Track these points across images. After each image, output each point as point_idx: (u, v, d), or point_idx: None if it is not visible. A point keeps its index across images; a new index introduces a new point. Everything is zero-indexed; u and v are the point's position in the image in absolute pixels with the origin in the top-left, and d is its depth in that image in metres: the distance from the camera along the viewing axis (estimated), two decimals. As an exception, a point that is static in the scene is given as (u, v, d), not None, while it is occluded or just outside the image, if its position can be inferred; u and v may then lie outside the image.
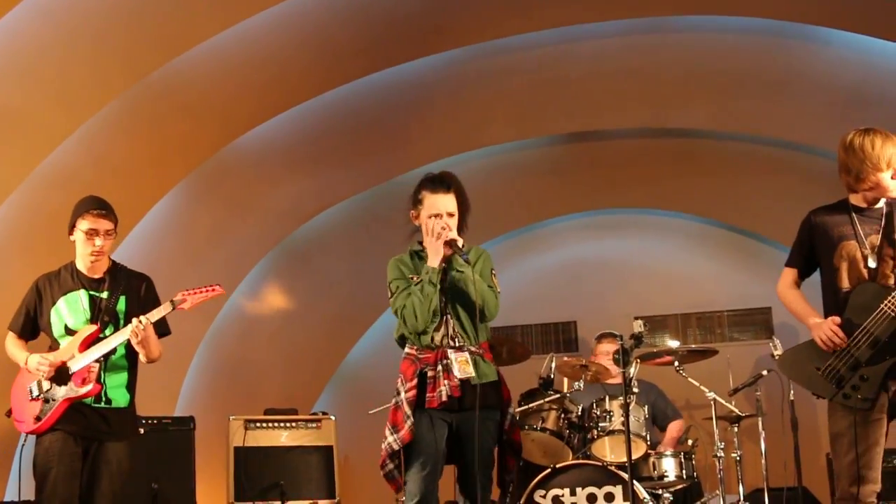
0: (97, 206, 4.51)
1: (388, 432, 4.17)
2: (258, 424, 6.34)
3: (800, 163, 7.79)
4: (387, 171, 8.32)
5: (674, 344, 6.28)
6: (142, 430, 6.06)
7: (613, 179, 8.43)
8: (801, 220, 4.40)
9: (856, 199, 4.22)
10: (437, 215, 4.22)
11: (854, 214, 4.20)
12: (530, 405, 5.79)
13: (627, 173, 8.36)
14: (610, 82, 7.75)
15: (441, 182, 4.31)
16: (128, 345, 4.45)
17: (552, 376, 5.85)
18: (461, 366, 4.07)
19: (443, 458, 4.13)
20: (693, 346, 6.32)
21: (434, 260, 4.15)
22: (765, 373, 5.95)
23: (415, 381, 4.14)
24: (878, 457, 3.99)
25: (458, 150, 8.34)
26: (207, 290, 4.60)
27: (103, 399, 4.43)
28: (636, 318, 4.98)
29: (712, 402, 5.99)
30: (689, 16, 7.50)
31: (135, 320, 4.34)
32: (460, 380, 4.06)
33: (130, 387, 4.57)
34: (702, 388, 6.03)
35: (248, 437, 6.26)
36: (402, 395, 4.16)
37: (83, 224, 4.49)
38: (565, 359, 6.25)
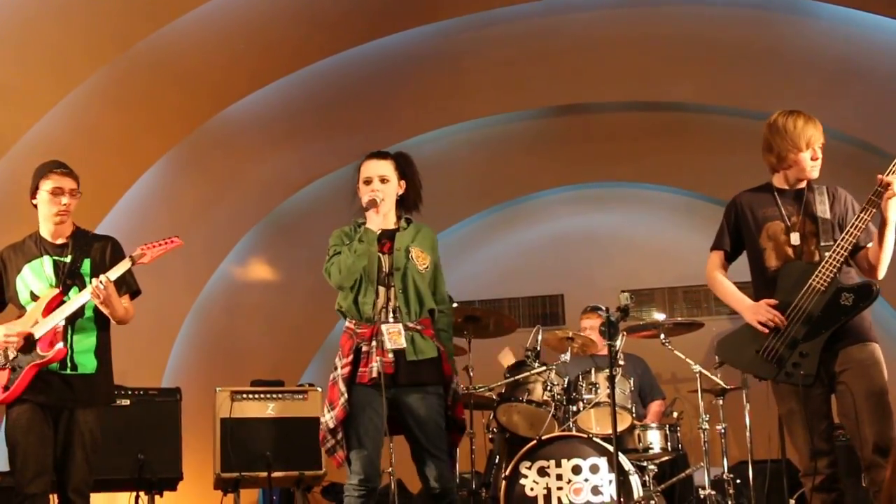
0: (59, 165, 4.45)
1: (325, 410, 4.19)
2: (245, 396, 6.31)
3: (788, 137, 7.79)
4: (374, 143, 8.20)
5: (660, 317, 6.31)
6: (126, 402, 6.13)
7: (601, 153, 8.43)
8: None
9: (778, 181, 4.30)
10: (367, 181, 4.31)
11: (777, 195, 4.28)
12: (516, 377, 5.80)
13: (615, 147, 8.36)
14: (598, 55, 7.74)
15: (378, 153, 4.43)
16: (96, 308, 4.37)
17: (538, 348, 5.86)
18: (392, 337, 4.07)
19: (381, 434, 4.10)
20: (679, 318, 6.34)
21: (372, 224, 4.20)
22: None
23: (350, 358, 4.15)
24: (828, 429, 4.07)
25: (445, 122, 8.34)
26: (166, 243, 4.53)
27: (69, 365, 4.34)
28: (622, 291, 4.98)
29: (698, 375, 6.02)
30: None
31: (94, 280, 4.29)
32: (394, 354, 4.07)
33: (100, 351, 4.46)
34: (688, 360, 6.05)
35: (235, 409, 6.23)
36: (339, 371, 4.17)
37: (47, 184, 4.41)
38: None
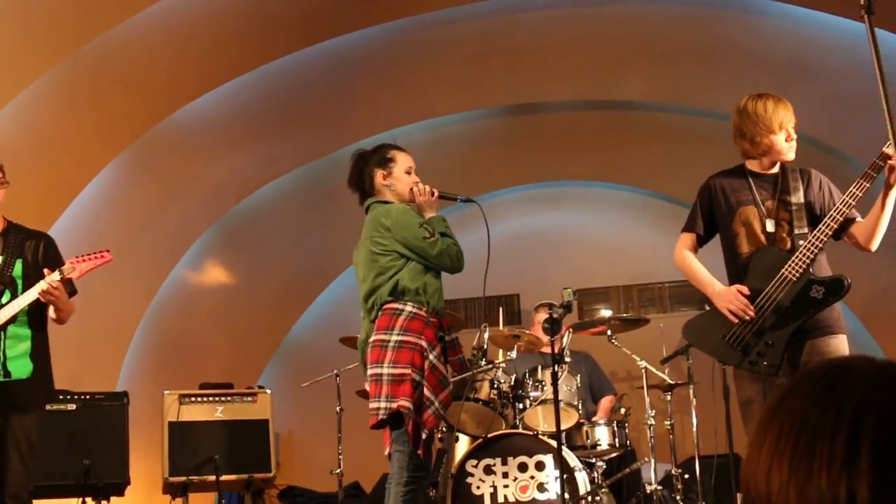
0: None
1: (429, 393, 4.26)
2: (193, 399, 6.29)
3: (738, 134, 7.84)
4: (329, 144, 8.29)
5: (606, 313, 6.32)
6: (72, 406, 6.08)
7: (554, 151, 8.44)
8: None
9: (752, 165, 4.24)
10: (410, 170, 4.60)
11: (751, 179, 4.23)
12: (463, 375, 5.78)
13: (569, 145, 8.37)
14: (550, 54, 7.75)
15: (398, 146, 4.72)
16: (30, 311, 4.31)
17: (485, 347, 5.85)
18: None
19: None
20: (624, 315, 6.36)
21: (432, 213, 4.55)
22: (693, 343, 6.00)
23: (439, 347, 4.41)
24: None
25: (400, 122, 8.31)
26: (96, 258, 4.47)
27: (2, 373, 4.25)
28: (565, 288, 4.98)
29: (643, 371, 6.04)
30: (628, -13, 7.52)
31: (43, 281, 4.22)
32: None
33: (36, 355, 4.37)
34: (633, 356, 6.08)
35: (183, 412, 6.21)
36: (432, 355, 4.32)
37: None
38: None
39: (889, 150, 3.81)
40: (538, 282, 8.57)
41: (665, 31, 7.46)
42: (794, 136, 4.15)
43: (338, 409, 6.49)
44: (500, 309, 7.55)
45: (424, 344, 4.29)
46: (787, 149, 4.16)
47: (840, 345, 4.07)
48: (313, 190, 8.44)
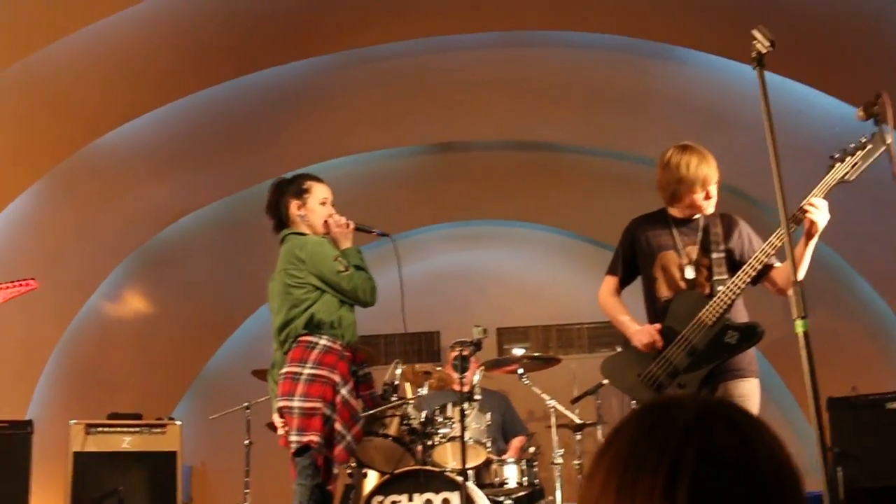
0: None
1: (340, 427, 4.30)
2: (100, 429, 6.19)
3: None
4: (253, 176, 8.25)
5: (518, 352, 6.35)
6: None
7: (477, 191, 8.50)
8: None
9: (674, 211, 4.32)
10: (328, 202, 4.66)
11: (673, 225, 4.30)
12: (373, 411, 5.77)
13: (491, 185, 8.44)
14: (474, 94, 7.82)
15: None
16: None
17: (396, 383, 5.84)
18: None
19: None
20: (536, 354, 6.40)
21: (347, 244, 4.61)
22: (605, 381, 6.04)
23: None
24: None
25: (323, 156, 8.32)
26: (20, 285, 4.45)
27: None
28: (476, 326, 5.01)
29: (552, 410, 6.07)
30: (552, 30, 7.63)
31: None
32: None
33: None
34: (543, 395, 6.11)
35: (89, 442, 6.11)
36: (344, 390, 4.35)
37: None
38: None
39: (807, 205, 3.92)
40: (459, 320, 8.56)
41: (590, 75, 7.58)
42: (715, 195, 4.23)
43: (246, 442, 6.42)
44: (421, 346, 7.55)
45: (337, 378, 4.30)
46: (707, 205, 4.25)
47: (751, 388, 4.13)
48: (235, 222, 8.39)
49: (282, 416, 4.37)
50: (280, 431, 4.43)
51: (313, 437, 4.20)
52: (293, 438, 4.24)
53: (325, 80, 7.81)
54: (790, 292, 3.10)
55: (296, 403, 4.26)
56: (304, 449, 4.25)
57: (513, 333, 8.67)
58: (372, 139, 8.24)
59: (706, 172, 4.18)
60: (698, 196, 4.20)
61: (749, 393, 4.11)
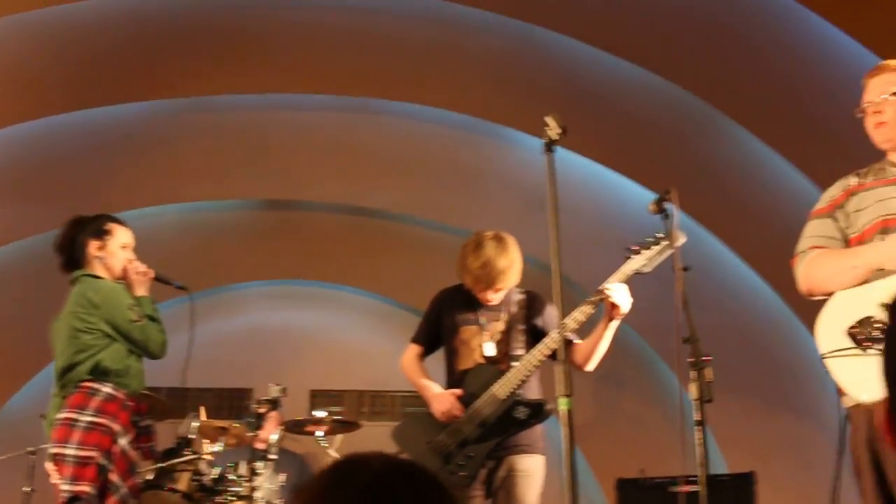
0: None
1: (116, 478, 4.15)
2: None
3: (484, 255, 8.11)
4: (78, 212, 8.00)
5: (320, 414, 6.30)
6: None
7: (305, 251, 8.45)
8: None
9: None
10: (129, 247, 4.55)
11: (478, 301, 4.40)
12: (163, 465, 5.61)
13: (320, 246, 8.40)
14: (311, 154, 7.87)
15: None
16: None
17: (191, 437, 5.71)
18: None
19: None
20: (336, 416, 6.34)
21: (143, 292, 4.47)
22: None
23: None
24: None
25: (153, 201, 8.16)
26: None
27: None
28: (275, 385, 4.96)
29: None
30: (392, 101, 7.76)
31: None
32: None
33: None
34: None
35: None
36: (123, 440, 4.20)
37: None
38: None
39: (605, 287, 4.06)
40: (274, 378, 8.38)
41: (424, 147, 7.73)
42: (503, 287, 4.34)
43: (26, 489, 6.11)
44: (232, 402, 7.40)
45: (117, 427, 4.17)
46: (492, 299, 4.36)
47: (535, 464, 4.22)
48: (48, 261, 8.06)
49: (55, 464, 4.19)
50: (52, 479, 4.26)
51: (84, 488, 4.05)
52: (65, 487, 4.08)
53: (161, 125, 7.75)
54: (559, 371, 3.18)
55: (70, 451, 4.10)
56: (74, 499, 4.08)
57: (327, 396, 8.58)
58: (204, 189, 8.14)
59: (491, 274, 4.28)
60: (484, 294, 4.35)
61: (532, 469, 4.20)
